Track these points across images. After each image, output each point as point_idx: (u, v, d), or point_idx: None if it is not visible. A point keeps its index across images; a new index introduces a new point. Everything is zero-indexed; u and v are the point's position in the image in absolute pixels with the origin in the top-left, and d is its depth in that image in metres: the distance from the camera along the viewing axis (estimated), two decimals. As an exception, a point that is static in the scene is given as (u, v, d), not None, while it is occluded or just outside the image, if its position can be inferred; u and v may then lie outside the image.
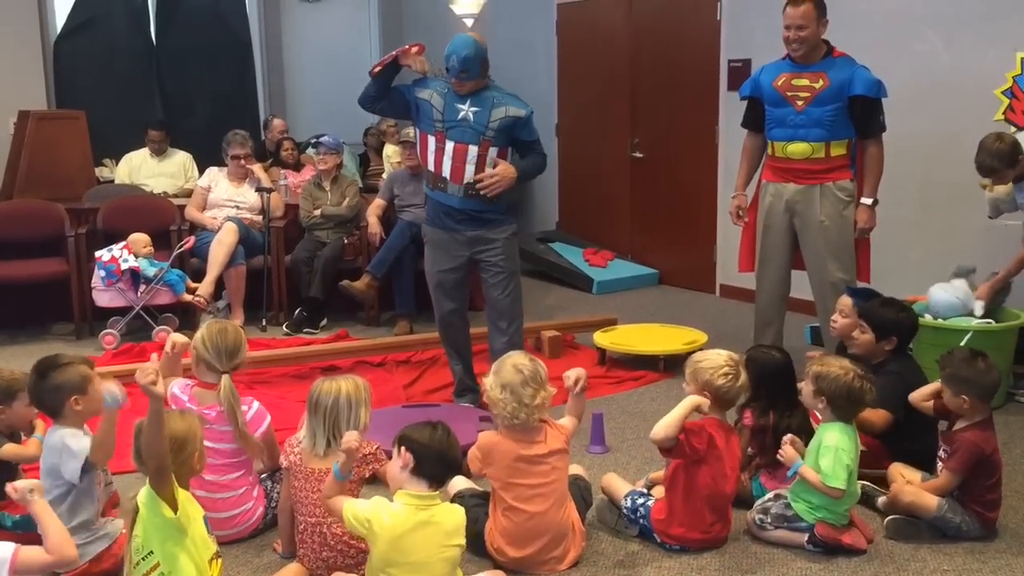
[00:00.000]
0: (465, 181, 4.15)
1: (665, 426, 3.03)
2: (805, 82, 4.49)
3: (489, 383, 3.02)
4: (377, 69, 4.23)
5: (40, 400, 2.98)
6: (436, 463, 2.64)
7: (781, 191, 4.66)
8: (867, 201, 4.52)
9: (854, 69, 4.46)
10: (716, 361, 3.14)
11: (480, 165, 4.13)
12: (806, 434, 3.35)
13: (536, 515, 2.95)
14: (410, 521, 2.58)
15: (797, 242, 4.72)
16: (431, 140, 4.20)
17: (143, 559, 2.48)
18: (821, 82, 4.45)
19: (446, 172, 4.17)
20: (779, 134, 4.61)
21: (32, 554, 2.34)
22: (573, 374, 3.20)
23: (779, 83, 4.57)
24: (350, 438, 2.72)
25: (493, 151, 4.16)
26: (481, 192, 4.15)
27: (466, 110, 4.13)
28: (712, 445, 3.07)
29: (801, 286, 4.91)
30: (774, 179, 4.71)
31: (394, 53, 4.22)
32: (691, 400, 3.09)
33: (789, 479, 3.24)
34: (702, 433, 3.07)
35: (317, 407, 2.94)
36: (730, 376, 3.11)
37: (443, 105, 4.15)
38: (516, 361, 3.02)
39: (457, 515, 2.68)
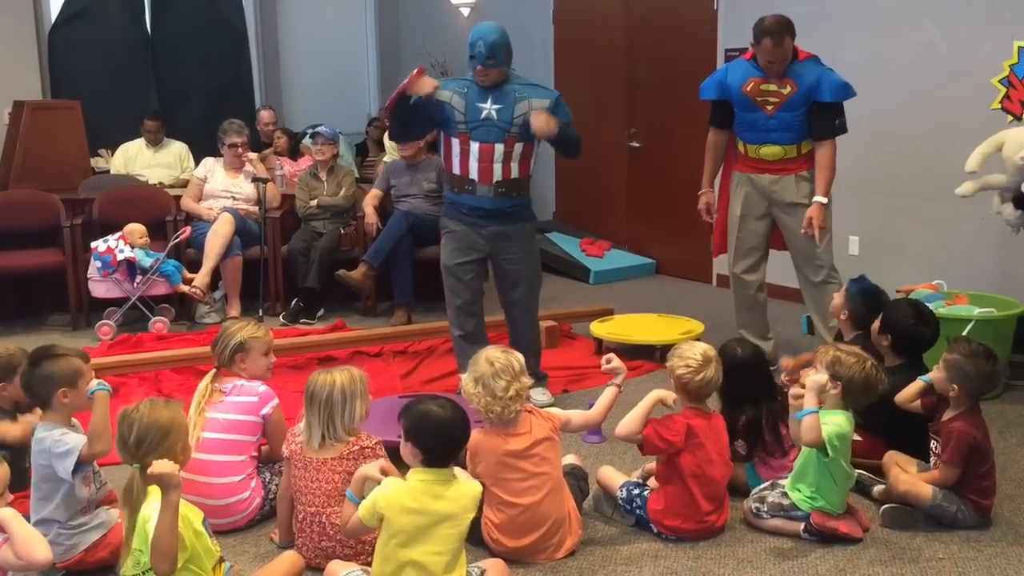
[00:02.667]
0: (495, 180, 4.11)
1: (628, 421, 3.08)
2: (774, 87, 4.52)
3: (464, 378, 3.02)
4: (389, 105, 4.13)
5: (29, 388, 2.97)
6: (444, 451, 2.64)
7: (756, 180, 4.69)
8: (821, 200, 4.51)
9: (820, 73, 4.48)
10: (685, 352, 3.15)
11: (507, 163, 4.09)
12: (784, 423, 3.36)
13: (530, 507, 2.95)
14: (423, 496, 2.58)
15: (772, 231, 4.77)
16: (454, 143, 4.12)
17: (143, 573, 2.46)
18: (789, 88, 4.49)
19: (473, 174, 4.12)
20: (751, 137, 4.66)
21: (7, 554, 2.33)
22: (615, 363, 3.23)
23: (748, 88, 4.58)
24: (372, 471, 2.69)
25: (519, 147, 4.12)
26: (534, 129, 4.00)
27: (488, 108, 4.07)
28: (691, 434, 3.07)
29: (792, 274, 4.93)
30: (747, 170, 4.74)
31: (400, 88, 4.07)
32: (653, 395, 3.13)
33: (786, 465, 3.25)
34: (675, 424, 3.08)
35: (312, 400, 2.94)
36: (691, 368, 3.09)
37: (464, 105, 4.08)
38: (489, 354, 3.01)
39: (471, 489, 2.67)
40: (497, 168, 4.10)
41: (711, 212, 4.91)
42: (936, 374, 3.20)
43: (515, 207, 4.23)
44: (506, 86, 4.11)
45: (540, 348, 4.60)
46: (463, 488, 2.66)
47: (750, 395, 3.40)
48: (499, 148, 4.07)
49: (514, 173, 4.15)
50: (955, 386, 3.13)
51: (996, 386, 3.21)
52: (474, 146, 4.08)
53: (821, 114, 4.49)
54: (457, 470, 3.22)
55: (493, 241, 4.21)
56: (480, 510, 2.97)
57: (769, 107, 4.54)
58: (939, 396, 3.24)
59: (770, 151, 4.59)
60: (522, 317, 4.38)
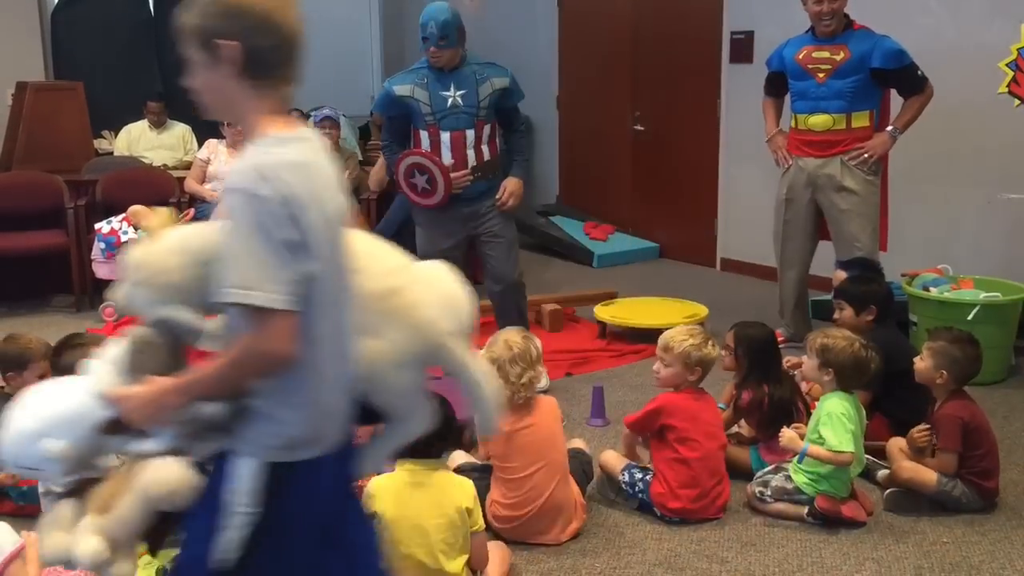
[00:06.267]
0: (470, 166, 4.07)
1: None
2: (826, 54, 4.52)
3: (480, 356, 3.02)
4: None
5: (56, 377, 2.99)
6: (424, 442, 2.58)
7: (803, 165, 4.69)
8: (889, 128, 4.54)
9: (875, 40, 4.49)
10: (679, 332, 3.19)
11: (478, 146, 4.06)
12: (795, 406, 3.38)
13: (535, 489, 2.95)
14: (406, 481, 2.60)
15: (819, 218, 4.76)
16: (423, 135, 4.06)
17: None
18: (842, 54, 4.48)
19: (447, 164, 4.06)
20: (801, 107, 4.65)
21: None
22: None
23: (800, 56, 4.60)
24: None
25: (487, 128, 4.10)
26: (500, 207, 4.19)
27: (453, 95, 4.01)
28: (670, 412, 3.11)
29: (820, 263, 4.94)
30: (796, 152, 4.73)
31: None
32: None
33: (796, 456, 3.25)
34: (659, 414, 3.13)
35: None
36: (693, 337, 3.14)
37: (428, 97, 4.02)
38: (509, 337, 3.02)
39: (458, 484, 2.67)
40: (471, 154, 4.06)
41: (784, 153, 4.79)
42: (921, 364, 3.22)
43: (491, 188, 4.20)
44: (464, 68, 4.06)
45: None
46: (449, 478, 2.68)
47: (758, 376, 3.41)
48: (470, 134, 4.04)
49: (487, 155, 4.12)
50: (943, 372, 3.15)
51: (980, 370, 3.24)
52: (445, 136, 4.02)
53: (898, 80, 4.52)
54: (458, 455, 3.26)
55: (468, 221, 4.18)
56: (481, 496, 2.99)
57: (820, 74, 4.52)
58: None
59: (818, 120, 4.57)
60: (507, 290, 4.30)
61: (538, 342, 3.06)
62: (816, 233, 4.81)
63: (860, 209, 4.58)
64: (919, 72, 4.51)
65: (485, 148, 4.09)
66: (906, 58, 4.47)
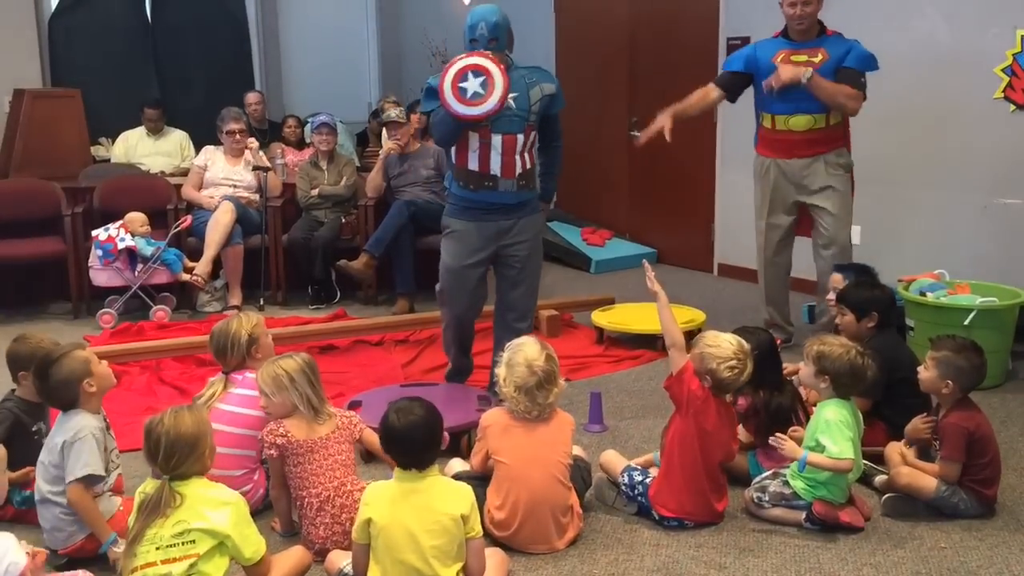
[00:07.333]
0: (517, 173, 3.89)
1: (674, 330, 3.14)
2: (804, 57, 4.58)
3: (502, 377, 3.01)
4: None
5: (53, 398, 2.96)
6: (410, 457, 2.63)
7: (785, 166, 4.75)
8: (805, 70, 4.47)
9: (850, 44, 4.59)
10: (725, 352, 3.06)
11: (523, 153, 3.89)
12: (795, 413, 3.39)
13: (534, 492, 2.95)
14: (400, 487, 2.61)
15: (799, 217, 4.84)
16: (472, 137, 3.83)
17: (181, 544, 2.42)
18: (820, 56, 4.56)
19: (496, 169, 3.85)
20: (780, 108, 4.68)
21: None
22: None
23: (778, 59, 4.64)
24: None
25: (533, 135, 3.94)
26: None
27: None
28: (707, 413, 3.07)
29: (796, 264, 4.94)
30: (775, 155, 4.76)
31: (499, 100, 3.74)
32: (661, 297, 3.21)
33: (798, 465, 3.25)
34: (689, 399, 3.08)
35: (293, 382, 2.99)
36: (736, 370, 3.05)
37: None
38: (531, 359, 2.97)
39: (454, 491, 2.66)
40: (518, 160, 3.89)
41: (654, 130, 4.81)
42: (926, 373, 3.21)
43: (530, 199, 4.05)
44: (512, 72, 3.89)
45: None
46: (445, 484, 2.68)
47: (754, 382, 3.40)
48: (520, 139, 3.87)
49: (528, 164, 3.96)
50: (949, 382, 3.14)
51: (985, 377, 3.24)
52: (496, 139, 3.83)
53: (844, 74, 4.53)
54: (455, 463, 3.27)
55: (499, 237, 3.99)
56: (479, 503, 2.99)
57: None
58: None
59: (800, 121, 4.63)
60: (516, 322, 4.10)
61: (555, 356, 3.05)
62: (793, 232, 4.94)
63: (842, 204, 4.69)
64: (863, 80, 4.54)
65: (527, 156, 3.94)
66: (874, 64, 4.55)
